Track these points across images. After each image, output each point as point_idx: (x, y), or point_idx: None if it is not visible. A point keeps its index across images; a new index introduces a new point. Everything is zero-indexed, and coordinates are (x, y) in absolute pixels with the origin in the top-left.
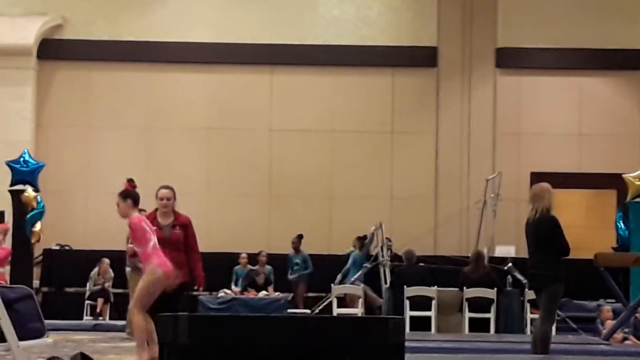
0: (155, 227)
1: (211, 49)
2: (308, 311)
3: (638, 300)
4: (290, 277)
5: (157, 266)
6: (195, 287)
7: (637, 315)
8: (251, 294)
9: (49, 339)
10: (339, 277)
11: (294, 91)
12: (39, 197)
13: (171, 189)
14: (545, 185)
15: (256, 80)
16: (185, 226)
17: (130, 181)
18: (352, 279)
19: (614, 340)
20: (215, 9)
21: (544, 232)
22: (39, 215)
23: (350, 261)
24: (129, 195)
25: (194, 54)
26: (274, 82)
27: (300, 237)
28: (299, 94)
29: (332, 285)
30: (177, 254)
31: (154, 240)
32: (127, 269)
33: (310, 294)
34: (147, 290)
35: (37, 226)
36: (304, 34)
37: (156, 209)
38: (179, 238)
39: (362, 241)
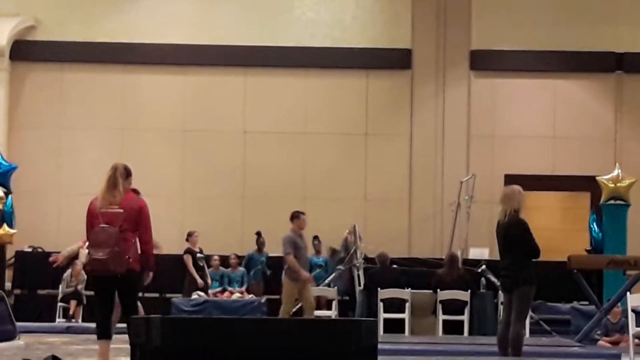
0: None
1: (185, 51)
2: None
3: (611, 303)
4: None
5: None
6: None
7: (609, 317)
8: (225, 296)
9: (20, 341)
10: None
11: (268, 93)
12: (9, 198)
13: None
14: (516, 187)
15: (230, 82)
16: None
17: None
18: (326, 281)
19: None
20: (189, 10)
21: (513, 234)
22: (8, 216)
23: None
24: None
25: (167, 55)
26: (247, 83)
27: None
28: (273, 96)
29: None
30: None
31: None
32: None
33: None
34: None
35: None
36: (278, 36)
37: None
38: None
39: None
